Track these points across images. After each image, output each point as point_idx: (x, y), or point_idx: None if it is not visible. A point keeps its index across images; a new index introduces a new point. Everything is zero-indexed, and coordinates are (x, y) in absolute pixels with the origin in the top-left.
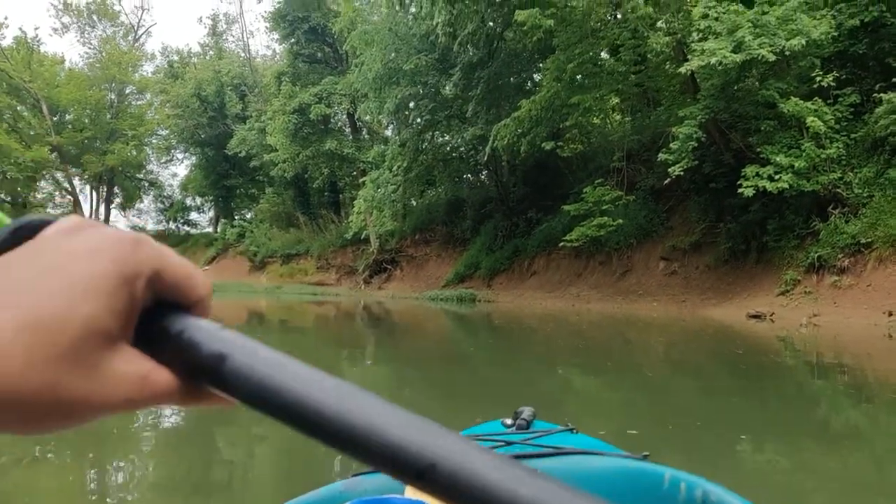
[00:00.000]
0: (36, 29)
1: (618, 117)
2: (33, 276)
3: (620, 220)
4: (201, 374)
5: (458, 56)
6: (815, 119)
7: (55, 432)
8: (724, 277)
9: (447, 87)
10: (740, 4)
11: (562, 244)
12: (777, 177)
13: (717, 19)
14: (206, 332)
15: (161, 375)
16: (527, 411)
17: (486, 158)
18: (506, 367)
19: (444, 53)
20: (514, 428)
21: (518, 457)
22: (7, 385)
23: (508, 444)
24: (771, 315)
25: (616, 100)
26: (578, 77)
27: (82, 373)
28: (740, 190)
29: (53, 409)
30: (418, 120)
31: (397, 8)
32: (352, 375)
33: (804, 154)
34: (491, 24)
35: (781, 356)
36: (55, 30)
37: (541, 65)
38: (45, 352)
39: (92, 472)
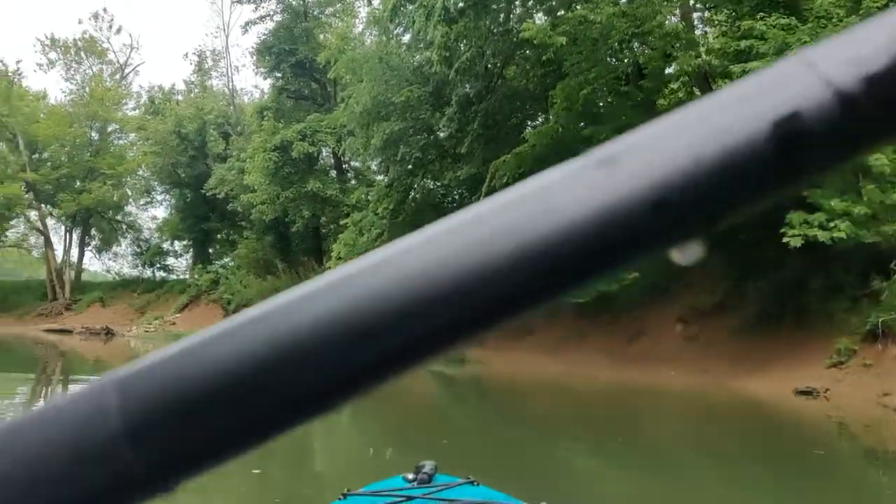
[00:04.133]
0: (18, 62)
1: None
2: None
3: (636, 273)
4: None
5: (454, 89)
6: (879, 157)
7: None
8: (755, 344)
9: (441, 122)
10: (792, 18)
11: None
12: (831, 225)
13: (761, 37)
14: None
15: None
16: (428, 465)
17: (482, 199)
18: (495, 437)
19: (438, 87)
20: (415, 482)
21: None
22: None
23: (410, 498)
24: (825, 392)
25: None
26: (594, 106)
27: None
28: (785, 240)
29: None
30: (407, 158)
31: (389, 25)
32: (320, 438)
33: (865, 199)
34: (491, 60)
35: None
36: (40, 65)
37: (537, 115)
38: None
39: None
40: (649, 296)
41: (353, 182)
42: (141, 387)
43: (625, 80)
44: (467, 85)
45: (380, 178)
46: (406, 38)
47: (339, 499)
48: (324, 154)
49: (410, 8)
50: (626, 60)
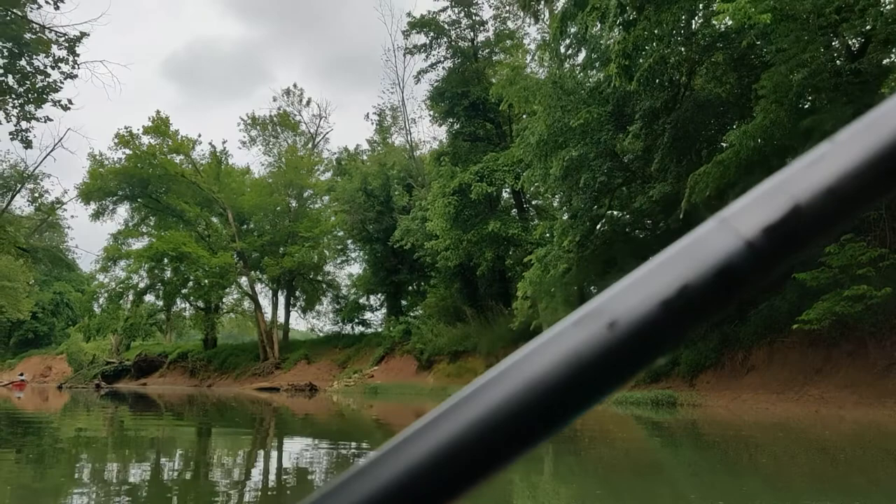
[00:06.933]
0: (224, 143)
1: None
2: None
3: (888, 290)
4: None
5: (637, 104)
6: None
7: None
8: None
9: (626, 140)
10: None
11: (796, 325)
12: None
13: None
14: None
15: None
16: None
17: (682, 217)
18: (719, 494)
19: (618, 105)
20: None
21: None
22: None
23: None
24: None
25: None
26: (808, 96)
27: None
28: None
29: None
30: (591, 184)
31: (560, 48)
32: (528, 494)
33: None
34: (676, 70)
35: None
36: (243, 143)
37: (732, 123)
38: None
39: None
40: None
41: (535, 222)
42: None
43: (846, 59)
44: (649, 100)
45: (563, 213)
46: (580, 57)
47: None
48: (504, 195)
49: (581, 16)
50: (845, 36)
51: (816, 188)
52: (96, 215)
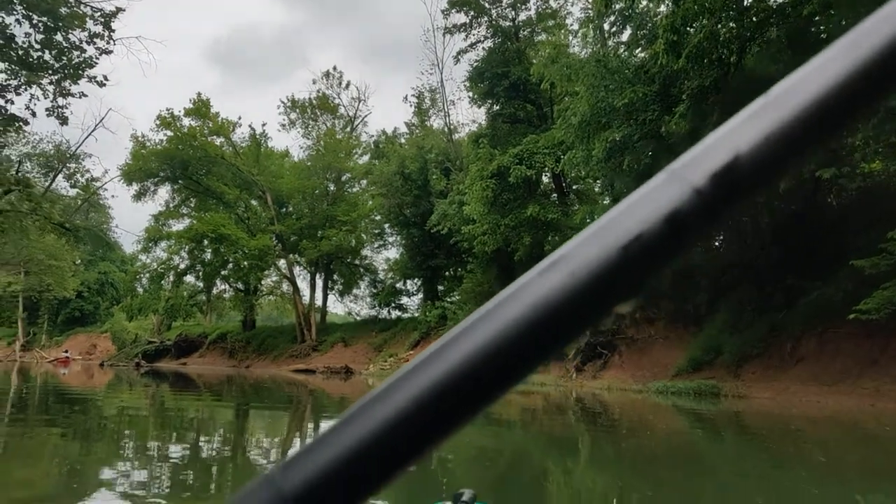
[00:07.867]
0: (264, 125)
1: None
2: None
3: None
4: None
5: (684, 83)
6: None
7: None
8: None
9: (673, 121)
10: None
11: (853, 315)
12: None
13: None
14: None
15: None
16: (467, 493)
17: None
18: (775, 491)
19: (665, 85)
20: None
21: None
22: None
23: None
24: None
25: None
26: None
27: None
28: None
29: None
30: (635, 166)
31: (604, 25)
32: (563, 482)
33: None
34: (726, 48)
35: None
36: (283, 125)
37: None
38: None
39: None
40: None
41: (575, 206)
42: (296, 467)
43: None
44: (697, 79)
45: (605, 198)
46: (624, 35)
47: None
48: (543, 179)
49: None
50: None
51: (755, 138)
52: (138, 196)
